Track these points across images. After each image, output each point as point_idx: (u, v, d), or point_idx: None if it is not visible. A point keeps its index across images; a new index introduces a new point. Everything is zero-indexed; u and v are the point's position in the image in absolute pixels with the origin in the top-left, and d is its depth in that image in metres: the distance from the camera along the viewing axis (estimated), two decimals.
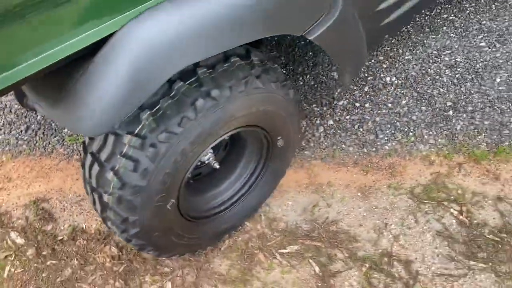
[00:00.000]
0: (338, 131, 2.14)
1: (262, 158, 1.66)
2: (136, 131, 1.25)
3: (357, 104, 2.22)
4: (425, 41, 2.43)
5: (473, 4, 2.60)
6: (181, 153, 1.27)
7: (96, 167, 1.31)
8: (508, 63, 2.27)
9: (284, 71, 1.54)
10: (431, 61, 2.33)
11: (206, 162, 1.57)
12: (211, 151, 1.57)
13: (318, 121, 2.18)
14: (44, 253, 1.85)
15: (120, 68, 1.02)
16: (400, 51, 2.40)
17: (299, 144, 1.76)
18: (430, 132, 2.08)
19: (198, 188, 1.67)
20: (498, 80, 2.21)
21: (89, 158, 1.34)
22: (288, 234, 1.80)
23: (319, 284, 1.65)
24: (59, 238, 1.90)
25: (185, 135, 1.25)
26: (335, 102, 2.24)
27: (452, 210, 1.80)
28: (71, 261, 1.81)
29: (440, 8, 2.60)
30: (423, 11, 2.48)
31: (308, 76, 2.36)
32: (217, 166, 1.66)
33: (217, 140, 1.37)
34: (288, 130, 1.59)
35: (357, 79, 2.30)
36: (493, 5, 2.57)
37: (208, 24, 1.08)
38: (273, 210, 1.89)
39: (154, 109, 1.25)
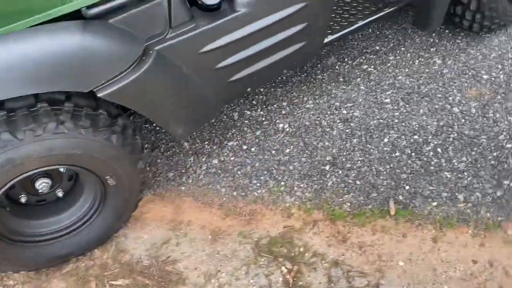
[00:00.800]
0: (219, 171, 2.20)
1: (99, 193, 1.77)
2: None
3: (245, 147, 2.26)
4: (333, 91, 2.43)
5: (398, 57, 2.55)
6: None
7: None
8: (403, 123, 2.22)
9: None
10: (329, 112, 2.32)
11: (40, 191, 1.71)
12: (47, 181, 1.71)
13: (204, 159, 2.25)
14: None
15: None
16: (305, 99, 2.41)
17: (138, 184, 1.85)
18: (301, 185, 2.09)
19: (40, 213, 1.80)
20: (385, 140, 2.17)
21: None
22: (127, 267, 1.89)
23: None
24: None
25: None
26: (225, 142, 2.30)
27: (283, 267, 1.81)
28: None
29: (364, 58, 2.58)
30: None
31: None
32: (60, 195, 1.80)
33: (19, 176, 1.50)
34: (116, 171, 1.68)
35: (254, 122, 2.35)
36: (417, 61, 2.51)
37: None
38: (126, 242, 1.99)
39: None
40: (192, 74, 1.65)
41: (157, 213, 2.10)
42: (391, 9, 2.16)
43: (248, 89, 1.90)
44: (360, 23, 2.13)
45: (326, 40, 2.04)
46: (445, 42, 2.60)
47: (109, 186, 1.75)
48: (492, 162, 2.03)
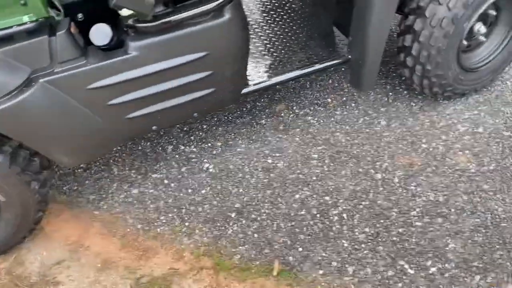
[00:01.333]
0: (135, 201, 2.24)
1: None
2: None
3: (166, 181, 2.29)
4: (269, 138, 2.40)
5: (344, 113, 2.47)
6: None
7: None
8: (319, 182, 2.14)
9: None
10: (255, 159, 2.30)
11: None
12: None
13: (126, 187, 2.30)
14: None
15: None
16: (240, 142, 2.40)
17: (33, 203, 1.93)
18: (204, 228, 2.08)
19: None
20: (297, 196, 2.11)
21: None
22: (12, 281, 1.96)
23: None
24: None
25: None
26: (150, 174, 2.34)
27: None
28: None
29: (312, 109, 2.52)
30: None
31: (148, 143, 2.48)
32: None
33: None
34: (3, 189, 1.78)
35: (183, 158, 2.37)
36: (362, 119, 2.42)
37: None
38: (27, 255, 2.07)
39: None
40: (82, 108, 1.72)
41: (65, 232, 2.17)
42: (323, 65, 2.12)
43: (154, 127, 1.94)
44: (289, 75, 2.11)
45: (246, 90, 2.05)
46: (398, 104, 2.49)
47: (0, 201, 1.86)
48: (394, 238, 1.91)
